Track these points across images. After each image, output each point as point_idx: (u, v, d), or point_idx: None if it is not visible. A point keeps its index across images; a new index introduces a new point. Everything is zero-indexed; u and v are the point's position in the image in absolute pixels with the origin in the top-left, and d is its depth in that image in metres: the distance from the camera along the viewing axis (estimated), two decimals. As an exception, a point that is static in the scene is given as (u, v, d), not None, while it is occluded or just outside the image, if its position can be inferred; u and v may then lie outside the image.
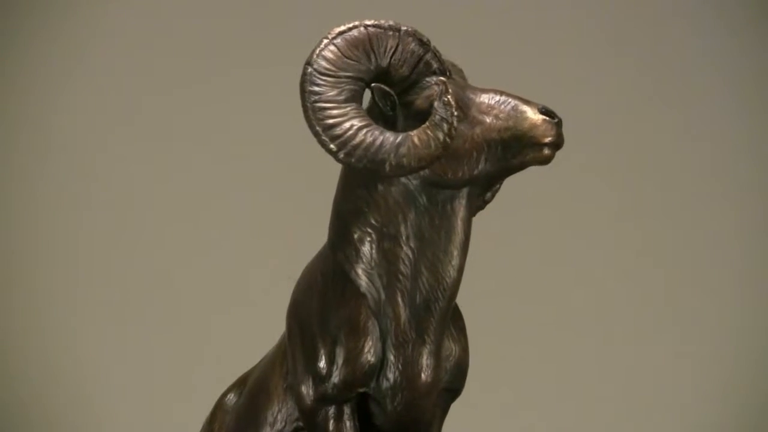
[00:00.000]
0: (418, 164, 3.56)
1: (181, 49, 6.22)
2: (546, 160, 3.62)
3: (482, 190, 3.77)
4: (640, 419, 6.10)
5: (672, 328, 6.20)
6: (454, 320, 3.82)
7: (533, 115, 3.60)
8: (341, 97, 3.61)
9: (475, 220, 3.81)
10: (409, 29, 3.65)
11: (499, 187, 3.89)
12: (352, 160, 3.58)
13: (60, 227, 6.16)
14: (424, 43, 3.65)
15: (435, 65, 3.66)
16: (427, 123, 3.57)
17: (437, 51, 3.67)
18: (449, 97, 3.56)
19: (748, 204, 6.27)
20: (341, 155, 3.59)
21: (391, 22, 3.64)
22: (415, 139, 3.56)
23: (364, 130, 3.59)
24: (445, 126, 3.55)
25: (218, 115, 6.21)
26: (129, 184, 6.19)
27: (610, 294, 6.18)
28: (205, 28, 6.22)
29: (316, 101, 3.60)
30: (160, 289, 6.11)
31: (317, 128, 3.59)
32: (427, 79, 3.66)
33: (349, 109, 3.60)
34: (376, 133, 3.58)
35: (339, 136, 3.59)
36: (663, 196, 6.26)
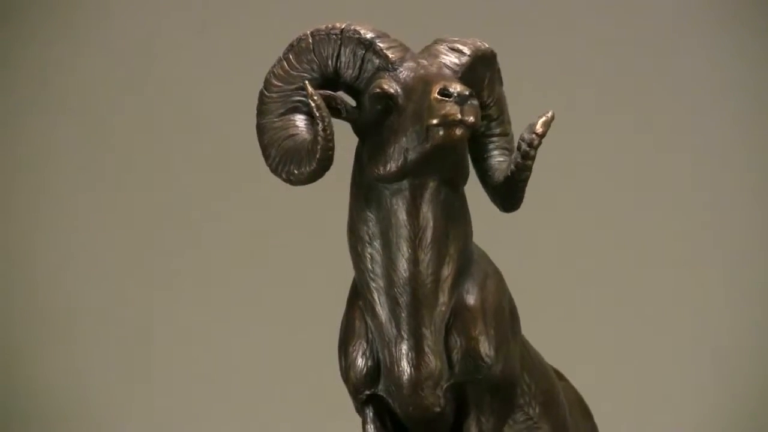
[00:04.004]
0: (312, 167, 3.57)
1: (222, 48, 6.18)
2: (448, 138, 3.49)
3: (441, 179, 3.63)
4: (644, 419, 6.11)
5: (676, 327, 6.20)
6: (458, 310, 3.73)
7: (431, 95, 3.48)
8: (282, 110, 3.64)
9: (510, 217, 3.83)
10: (351, 28, 3.62)
11: (531, 163, 3.69)
12: (277, 171, 3.64)
13: (74, 231, 6.16)
14: (365, 41, 3.60)
15: (380, 61, 3.60)
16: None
17: (381, 46, 3.60)
18: (314, 99, 3.53)
19: (755, 200, 6.27)
20: (273, 167, 3.65)
21: (336, 24, 3.62)
22: (309, 144, 3.59)
23: (286, 140, 3.63)
24: (319, 125, 3.53)
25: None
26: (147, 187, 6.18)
27: (617, 294, 6.18)
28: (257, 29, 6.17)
29: (261, 119, 3.66)
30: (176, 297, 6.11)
31: (261, 146, 3.65)
32: (378, 74, 3.62)
33: (283, 122, 3.64)
34: (294, 142, 3.62)
35: (273, 152, 3.64)
36: (669, 195, 6.26)
